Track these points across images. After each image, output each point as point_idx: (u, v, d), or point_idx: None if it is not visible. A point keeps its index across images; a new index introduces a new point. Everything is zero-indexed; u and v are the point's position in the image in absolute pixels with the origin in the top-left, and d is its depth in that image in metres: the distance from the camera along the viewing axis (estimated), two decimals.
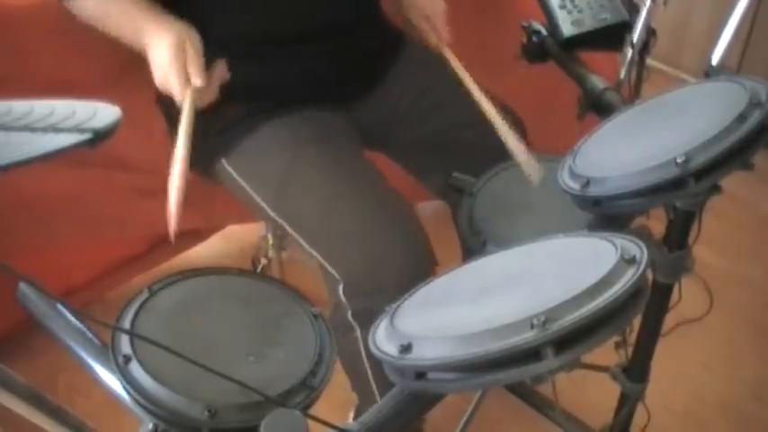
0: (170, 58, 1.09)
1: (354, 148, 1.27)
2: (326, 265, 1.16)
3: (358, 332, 1.18)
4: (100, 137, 0.81)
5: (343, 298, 1.15)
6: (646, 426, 1.34)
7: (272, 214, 1.22)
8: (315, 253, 1.17)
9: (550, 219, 1.05)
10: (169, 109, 1.28)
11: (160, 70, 1.10)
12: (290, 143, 1.21)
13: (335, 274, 1.15)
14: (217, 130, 1.23)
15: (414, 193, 1.50)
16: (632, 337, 1.21)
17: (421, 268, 1.10)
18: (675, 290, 1.15)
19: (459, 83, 1.26)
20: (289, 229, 1.21)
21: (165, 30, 1.11)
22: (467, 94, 1.24)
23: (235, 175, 1.24)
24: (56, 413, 0.81)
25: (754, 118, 0.82)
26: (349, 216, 1.15)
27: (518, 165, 1.12)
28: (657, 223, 1.07)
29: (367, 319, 1.12)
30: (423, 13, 1.33)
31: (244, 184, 1.24)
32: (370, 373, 1.21)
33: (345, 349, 1.20)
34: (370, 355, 1.19)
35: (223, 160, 1.25)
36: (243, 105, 1.22)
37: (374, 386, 1.22)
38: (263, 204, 1.23)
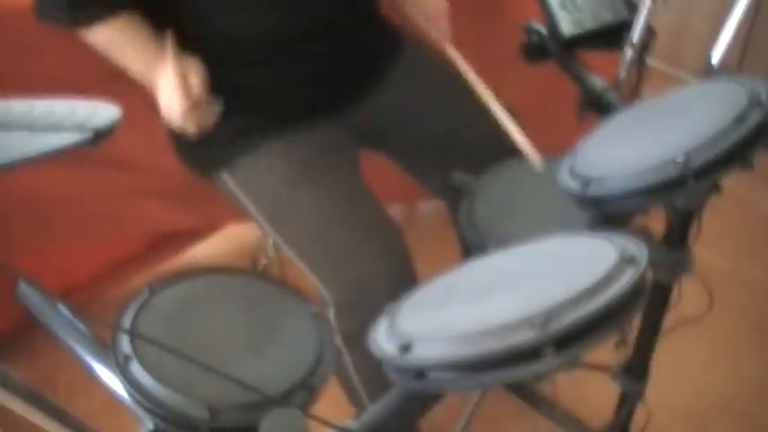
0: (175, 81, 1.09)
1: (351, 169, 1.28)
2: (319, 285, 1.18)
3: (347, 356, 1.21)
4: (100, 136, 0.82)
5: (333, 322, 1.17)
6: (646, 426, 1.34)
7: (269, 229, 1.24)
8: (308, 272, 1.20)
9: (550, 219, 1.05)
10: None
11: (166, 91, 1.11)
12: (288, 165, 1.22)
13: (327, 296, 1.17)
14: (217, 141, 1.23)
15: (414, 193, 1.50)
16: (632, 337, 1.21)
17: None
18: (675, 290, 1.14)
19: (461, 81, 1.25)
20: (284, 246, 1.23)
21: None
22: (469, 93, 1.23)
23: (234, 187, 1.25)
24: (56, 413, 0.81)
25: (754, 118, 0.82)
26: (341, 241, 1.17)
27: (524, 158, 1.14)
28: (657, 223, 1.07)
29: (355, 342, 1.14)
30: (424, 10, 1.32)
31: (242, 197, 1.25)
32: (363, 391, 1.24)
33: (337, 370, 1.22)
34: (361, 377, 1.21)
35: (223, 172, 1.25)
36: (243, 117, 1.22)
37: (369, 402, 1.24)
38: (260, 219, 1.24)
